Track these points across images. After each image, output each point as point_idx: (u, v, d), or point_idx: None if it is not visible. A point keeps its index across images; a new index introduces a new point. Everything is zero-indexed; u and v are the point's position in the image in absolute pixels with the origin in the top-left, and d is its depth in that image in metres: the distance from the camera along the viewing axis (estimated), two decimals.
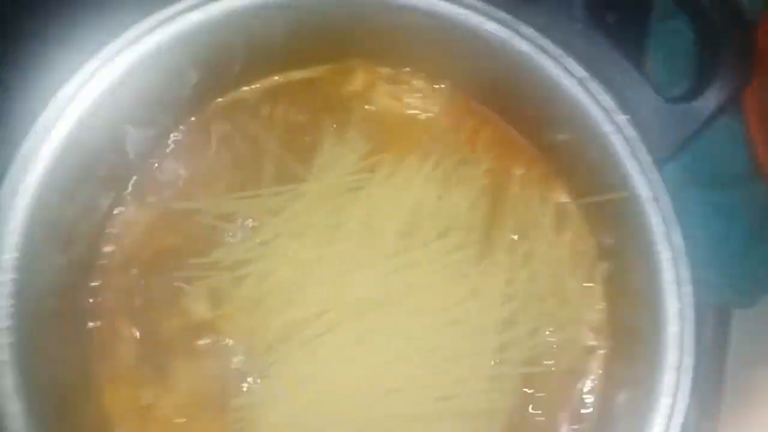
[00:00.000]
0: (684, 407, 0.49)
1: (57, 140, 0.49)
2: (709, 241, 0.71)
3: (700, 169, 0.71)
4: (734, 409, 0.74)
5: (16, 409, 0.47)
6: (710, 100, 0.52)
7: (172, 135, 0.58)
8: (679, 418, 0.49)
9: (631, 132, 0.50)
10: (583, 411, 0.56)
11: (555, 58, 0.50)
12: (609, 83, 0.51)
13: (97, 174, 0.54)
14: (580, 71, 0.50)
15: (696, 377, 0.72)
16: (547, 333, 0.56)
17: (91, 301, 0.57)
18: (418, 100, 0.60)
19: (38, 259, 0.50)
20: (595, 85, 0.50)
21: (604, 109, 0.50)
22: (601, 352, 0.57)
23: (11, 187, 0.48)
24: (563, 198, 0.58)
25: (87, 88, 0.49)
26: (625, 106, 0.51)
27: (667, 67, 0.72)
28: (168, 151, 0.58)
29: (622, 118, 0.50)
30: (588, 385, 0.57)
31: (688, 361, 0.49)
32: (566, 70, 0.50)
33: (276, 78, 0.59)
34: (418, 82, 0.60)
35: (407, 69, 0.60)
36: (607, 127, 0.50)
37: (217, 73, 0.56)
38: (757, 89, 0.67)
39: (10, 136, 0.50)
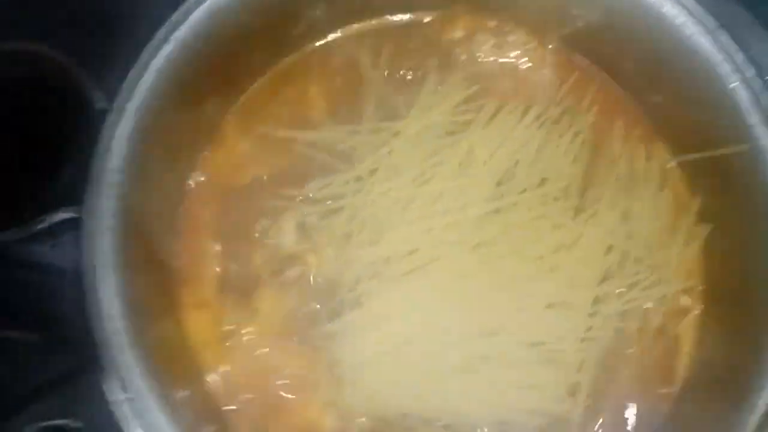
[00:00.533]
0: None
1: (171, 49, 0.49)
2: None
3: None
4: None
5: (115, 312, 0.46)
6: None
7: (279, 63, 0.58)
8: None
9: (757, 84, 0.49)
10: (673, 372, 0.55)
11: (683, 5, 0.50)
12: (736, 40, 0.50)
13: (203, 90, 0.53)
14: (711, 22, 0.49)
15: None
16: (642, 290, 0.54)
17: (181, 226, 0.56)
18: (521, 51, 0.59)
19: (143, 169, 0.49)
20: (725, 38, 0.49)
21: (732, 62, 0.49)
22: (696, 313, 0.56)
23: (127, 94, 0.48)
24: (666, 156, 0.57)
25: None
26: (750, 61, 0.50)
27: None
28: (273, 78, 0.58)
29: (749, 72, 0.49)
30: (680, 345, 0.55)
31: None
32: (694, 18, 0.49)
33: (385, 17, 0.59)
34: (521, 34, 0.59)
35: (511, 20, 0.59)
36: (732, 80, 0.49)
37: (333, 6, 0.56)
38: None
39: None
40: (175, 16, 0.49)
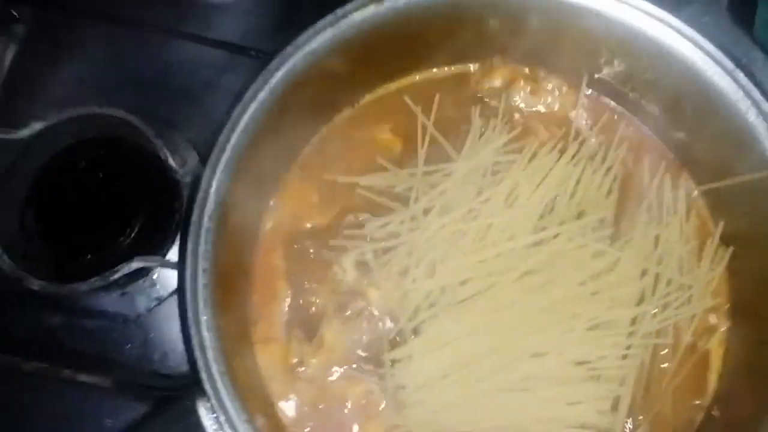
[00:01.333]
0: None
1: (247, 119, 0.55)
2: None
3: None
4: None
5: (208, 344, 0.51)
6: None
7: (335, 118, 0.65)
8: None
9: None
10: (705, 384, 0.60)
11: (704, 50, 0.55)
12: (749, 73, 0.55)
13: (272, 148, 0.59)
14: (728, 62, 0.55)
15: None
16: (674, 310, 0.59)
17: (254, 267, 0.62)
18: (554, 97, 0.65)
19: (225, 221, 0.55)
20: (741, 75, 0.55)
21: (751, 97, 0.55)
22: (722, 330, 0.61)
23: (215, 160, 0.54)
24: (692, 186, 0.63)
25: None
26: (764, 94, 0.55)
27: None
28: (330, 132, 0.65)
29: (765, 105, 0.55)
30: (710, 360, 0.60)
31: None
32: (715, 60, 0.55)
33: (432, 70, 0.66)
34: (554, 81, 0.66)
35: (543, 68, 0.65)
36: (751, 114, 0.55)
37: (391, 60, 0.63)
38: None
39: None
40: (259, 81, 0.56)
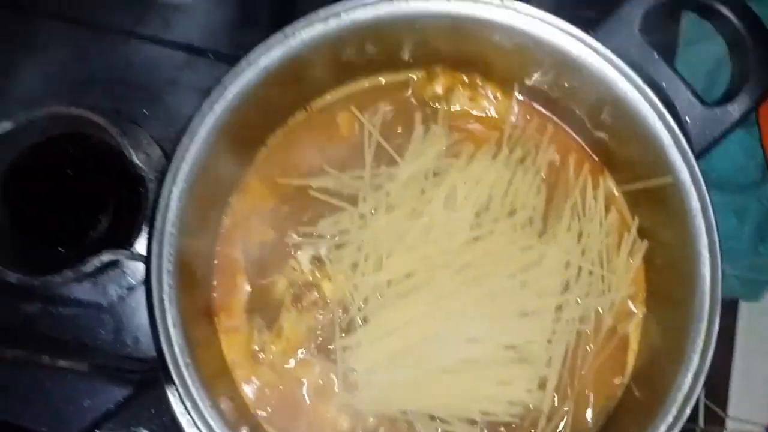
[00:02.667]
0: (708, 365, 0.60)
1: (212, 121, 0.60)
2: (722, 238, 0.82)
3: (716, 172, 0.82)
4: (738, 393, 0.84)
5: (175, 338, 0.57)
6: (741, 104, 0.63)
7: (289, 122, 0.70)
8: (704, 375, 0.60)
9: (676, 128, 0.61)
10: (624, 365, 0.67)
11: (617, 67, 0.62)
12: (658, 90, 0.62)
13: (232, 150, 0.64)
14: (637, 78, 0.61)
15: None
16: (595, 298, 0.67)
17: (216, 262, 0.67)
18: (490, 103, 0.71)
19: (190, 219, 0.60)
20: (648, 90, 0.61)
21: (656, 110, 0.61)
22: (639, 316, 0.68)
23: (177, 160, 0.59)
24: (612, 185, 0.70)
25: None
26: (670, 107, 0.62)
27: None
28: (285, 135, 0.70)
29: (669, 117, 0.61)
30: (628, 343, 0.68)
31: (716, 322, 0.60)
32: (626, 77, 0.61)
33: (378, 78, 0.71)
34: (490, 88, 0.71)
35: (480, 76, 0.71)
36: (657, 125, 0.61)
37: (339, 69, 0.67)
38: None
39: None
40: (214, 95, 0.60)
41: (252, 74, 0.61)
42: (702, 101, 0.63)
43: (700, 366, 0.59)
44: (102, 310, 0.74)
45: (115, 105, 0.79)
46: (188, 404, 0.55)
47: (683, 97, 0.63)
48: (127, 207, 0.73)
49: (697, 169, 0.61)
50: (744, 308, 0.87)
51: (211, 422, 0.55)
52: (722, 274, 0.80)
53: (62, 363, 0.68)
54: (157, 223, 0.57)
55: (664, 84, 0.64)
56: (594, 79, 0.63)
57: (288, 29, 0.61)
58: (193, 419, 0.55)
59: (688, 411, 0.58)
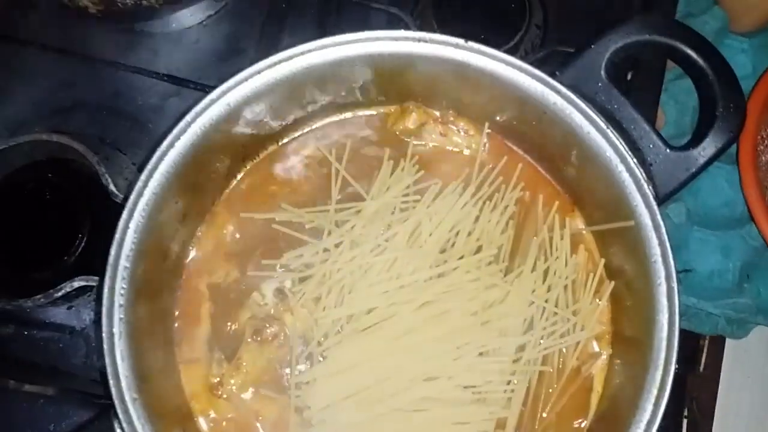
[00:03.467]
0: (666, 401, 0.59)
1: (173, 157, 0.61)
2: (706, 275, 0.81)
3: (701, 211, 0.82)
4: (724, 428, 0.83)
5: (123, 371, 0.57)
6: (706, 149, 0.62)
7: (261, 154, 0.70)
8: (657, 424, 0.59)
9: (638, 172, 0.61)
10: (587, 407, 0.66)
11: (581, 111, 0.61)
12: (623, 132, 0.62)
13: (197, 185, 0.65)
14: (600, 122, 0.61)
15: (691, 398, 0.83)
16: (559, 337, 0.66)
17: (179, 293, 0.68)
18: (461, 139, 0.71)
19: (149, 251, 0.61)
20: (611, 134, 0.61)
21: (619, 153, 0.61)
22: (604, 357, 0.67)
23: (137, 194, 0.60)
24: (580, 225, 0.69)
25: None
26: (635, 151, 0.61)
27: (677, 121, 0.84)
28: (254, 169, 0.70)
29: (632, 161, 0.61)
30: (592, 384, 0.67)
31: (671, 371, 0.59)
32: (590, 120, 0.61)
33: (348, 114, 0.71)
34: (462, 124, 0.71)
35: (453, 112, 0.71)
36: (620, 168, 0.61)
37: (307, 106, 0.68)
38: (751, 153, 0.78)
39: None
40: (176, 130, 0.61)
41: (216, 111, 0.61)
42: (668, 145, 0.63)
43: (653, 414, 0.58)
44: (75, 334, 0.75)
45: (99, 132, 0.81)
46: None
47: (649, 141, 0.63)
48: (103, 234, 0.74)
49: (658, 215, 0.60)
50: (730, 345, 0.85)
51: None
52: (705, 315, 0.81)
53: (28, 388, 0.69)
54: (111, 258, 0.58)
55: (633, 127, 0.63)
56: (558, 120, 0.62)
57: (253, 68, 0.61)
58: None
59: None
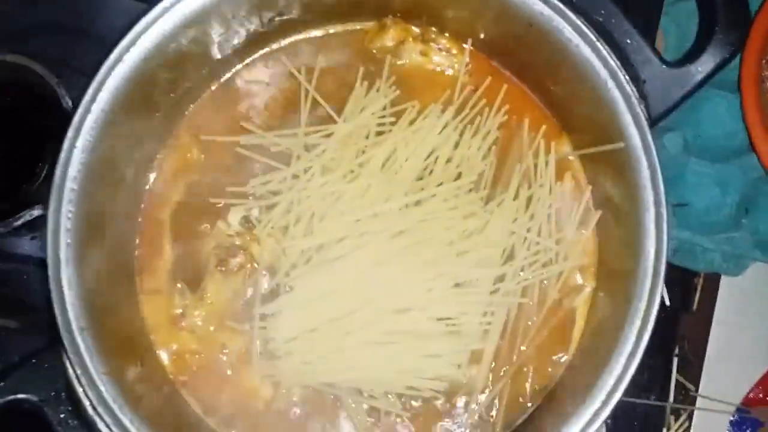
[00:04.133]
0: (648, 340, 0.56)
1: (124, 69, 0.56)
2: (703, 209, 0.77)
3: (699, 141, 0.77)
4: (712, 371, 0.80)
5: (70, 300, 0.54)
6: (704, 65, 0.58)
7: (224, 74, 0.65)
8: (638, 358, 0.56)
9: (629, 89, 0.56)
10: (569, 341, 0.63)
11: (571, 22, 0.57)
12: (617, 46, 0.57)
13: (155, 102, 0.61)
14: (591, 35, 0.56)
15: (682, 337, 0.80)
16: (540, 268, 0.62)
17: (139, 220, 0.64)
18: (443, 58, 0.66)
19: (101, 174, 0.57)
20: (603, 48, 0.56)
21: (609, 69, 0.56)
22: (587, 290, 0.64)
23: (84, 110, 0.55)
24: (567, 150, 0.65)
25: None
26: (627, 66, 0.57)
27: (678, 47, 0.79)
28: (218, 89, 0.66)
29: (623, 77, 0.56)
30: (574, 318, 0.63)
31: (656, 303, 0.56)
32: (580, 33, 0.57)
33: (319, 31, 0.66)
34: (444, 41, 0.66)
35: (434, 29, 0.66)
36: (610, 85, 0.57)
37: (275, 19, 0.63)
38: (755, 72, 0.73)
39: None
40: (125, 41, 0.56)
41: (170, 22, 0.56)
42: (663, 60, 0.58)
43: (635, 347, 0.55)
44: (39, 265, 0.72)
45: (62, 54, 0.76)
46: (79, 371, 0.52)
47: (643, 55, 0.58)
48: None
49: (649, 136, 0.56)
50: (725, 283, 0.82)
51: (102, 389, 0.52)
52: (700, 250, 0.77)
53: None
54: (57, 179, 0.54)
55: (627, 41, 0.58)
56: (545, 32, 0.58)
57: None
58: (82, 386, 0.52)
59: (617, 395, 0.55)
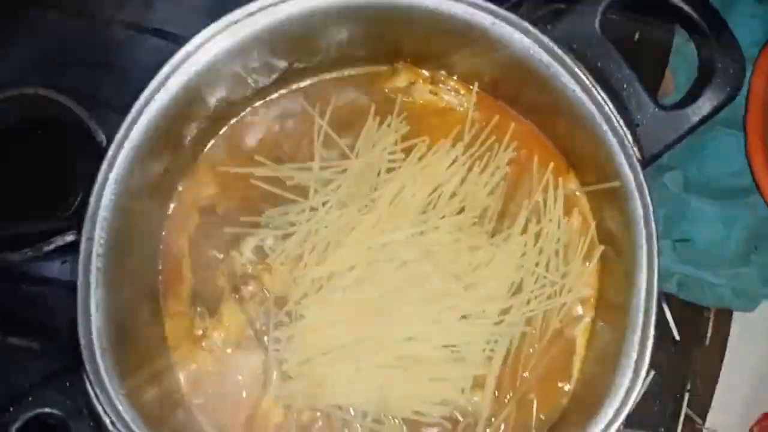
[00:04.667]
0: (645, 375, 0.57)
1: (153, 110, 0.60)
2: (706, 245, 0.78)
3: (704, 180, 0.79)
4: (720, 405, 0.81)
5: (95, 322, 0.57)
6: (700, 108, 0.60)
7: (245, 110, 0.69)
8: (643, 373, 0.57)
9: (622, 133, 0.59)
10: (570, 369, 0.65)
11: (569, 69, 0.59)
12: (612, 91, 0.60)
13: (180, 137, 0.64)
14: (587, 80, 0.59)
15: (694, 372, 0.80)
16: (546, 300, 0.64)
17: (161, 247, 0.67)
18: (452, 97, 0.69)
19: (129, 204, 0.60)
20: (597, 93, 0.59)
21: (604, 114, 0.59)
22: (587, 320, 0.66)
23: (117, 146, 0.59)
24: (574, 186, 0.67)
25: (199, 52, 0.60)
26: (623, 111, 0.59)
27: (688, 78, 0.81)
28: (236, 125, 0.69)
29: (616, 122, 0.59)
30: (575, 347, 0.65)
31: (652, 326, 0.58)
32: (577, 79, 0.59)
33: (335, 73, 0.70)
34: (452, 83, 0.70)
35: (443, 72, 0.69)
36: (605, 128, 0.59)
37: (293, 64, 0.67)
38: (760, 113, 0.75)
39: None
40: (155, 83, 0.60)
41: (197, 65, 0.60)
42: (657, 104, 0.60)
43: (634, 379, 0.57)
44: (67, 290, 0.75)
45: (89, 89, 0.80)
46: (98, 390, 0.55)
47: (638, 100, 0.60)
48: None
49: (641, 175, 0.58)
50: (737, 318, 0.83)
51: (121, 408, 0.55)
52: (707, 285, 0.78)
53: (12, 340, 0.69)
54: (90, 208, 0.58)
55: (623, 86, 0.61)
56: (544, 77, 0.61)
57: (231, 15, 0.60)
58: (102, 406, 0.55)
59: (615, 426, 0.56)
